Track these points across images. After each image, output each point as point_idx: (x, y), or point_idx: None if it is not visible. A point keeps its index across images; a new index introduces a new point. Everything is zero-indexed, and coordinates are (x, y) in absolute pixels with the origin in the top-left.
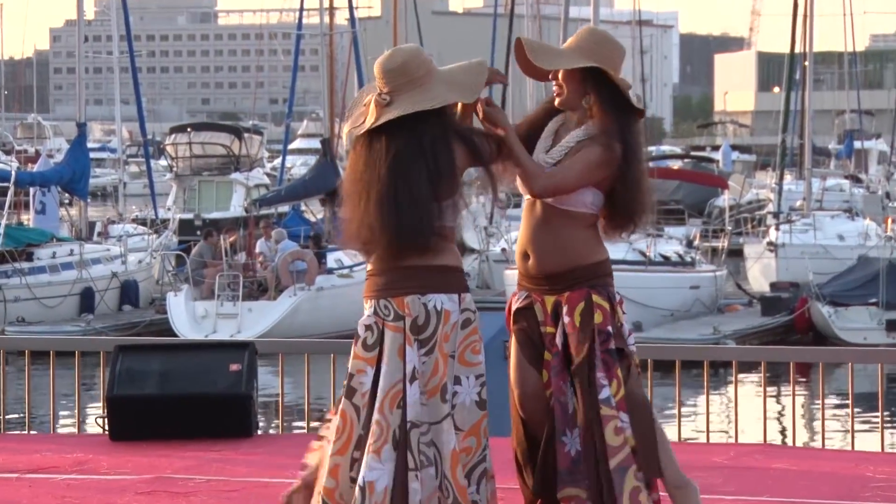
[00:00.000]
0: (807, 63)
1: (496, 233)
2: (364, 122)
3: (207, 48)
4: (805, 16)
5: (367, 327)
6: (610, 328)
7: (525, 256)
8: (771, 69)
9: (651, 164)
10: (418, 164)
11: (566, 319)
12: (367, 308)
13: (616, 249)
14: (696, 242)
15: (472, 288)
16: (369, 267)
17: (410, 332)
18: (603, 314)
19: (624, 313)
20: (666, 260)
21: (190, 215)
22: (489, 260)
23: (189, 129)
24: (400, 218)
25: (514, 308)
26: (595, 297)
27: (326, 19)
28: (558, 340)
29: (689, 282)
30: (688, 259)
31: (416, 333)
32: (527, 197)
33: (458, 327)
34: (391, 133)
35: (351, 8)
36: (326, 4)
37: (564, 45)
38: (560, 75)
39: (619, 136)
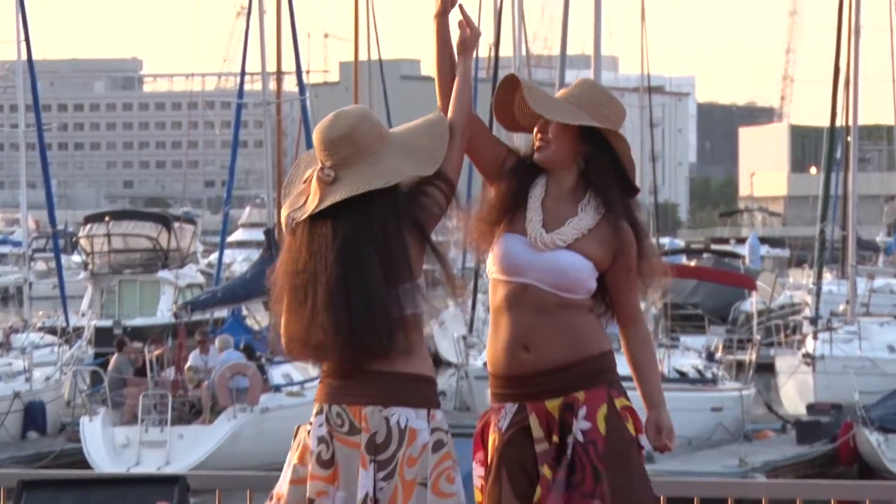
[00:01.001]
0: (850, 139)
1: (477, 343)
2: (305, 203)
3: (130, 120)
4: (848, 82)
5: (321, 439)
6: (644, 440)
7: (520, 349)
8: (807, 146)
9: (664, 261)
10: (369, 250)
11: (585, 425)
12: (316, 415)
13: (619, 364)
14: (719, 355)
15: (450, 410)
16: (324, 367)
17: (367, 451)
18: (634, 420)
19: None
20: (682, 376)
21: (108, 322)
22: (469, 376)
23: (108, 218)
24: (354, 314)
25: (504, 430)
26: (618, 400)
27: (272, 85)
28: (569, 451)
29: (710, 403)
30: (708, 375)
31: (374, 453)
32: (505, 277)
33: (428, 450)
34: (337, 214)
35: (299, 72)
36: (272, 68)
37: (559, 93)
38: (551, 129)
39: (628, 216)
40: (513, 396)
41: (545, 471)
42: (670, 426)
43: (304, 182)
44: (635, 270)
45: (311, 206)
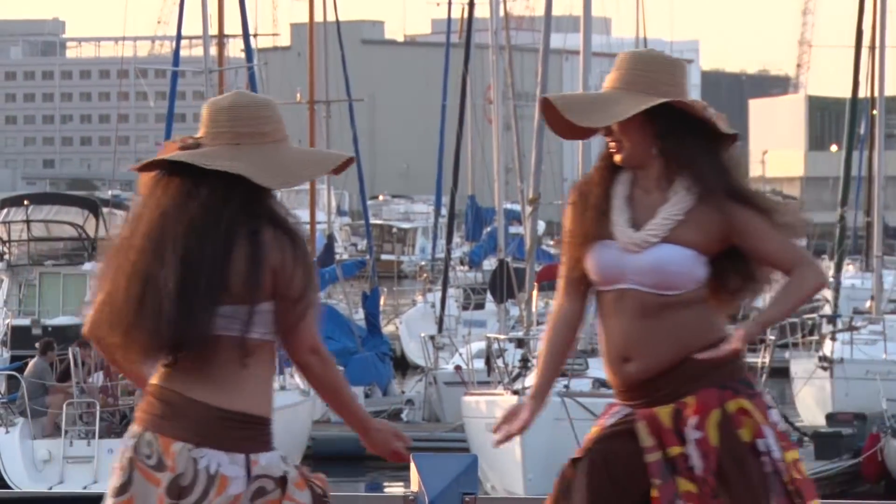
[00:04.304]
0: (875, 112)
1: (447, 345)
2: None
3: (51, 90)
4: (872, 47)
5: (122, 464)
6: (769, 442)
7: (622, 361)
8: (827, 120)
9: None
10: (216, 243)
11: (696, 434)
12: (129, 436)
13: (602, 368)
14: None
15: (418, 421)
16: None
17: (168, 494)
18: (752, 423)
19: (773, 407)
20: None
21: (26, 321)
22: (437, 382)
23: (27, 202)
24: (192, 309)
25: (606, 426)
26: (732, 403)
27: (214, 51)
28: (694, 461)
29: None
30: None
31: (175, 497)
32: (603, 287)
33: (244, 501)
34: (193, 190)
35: (246, 35)
36: (214, 31)
37: (605, 84)
38: (615, 128)
39: (727, 187)
40: (626, 403)
41: (653, 490)
42: (740, 334)
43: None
44: (769, 224)
45: (159, 157)
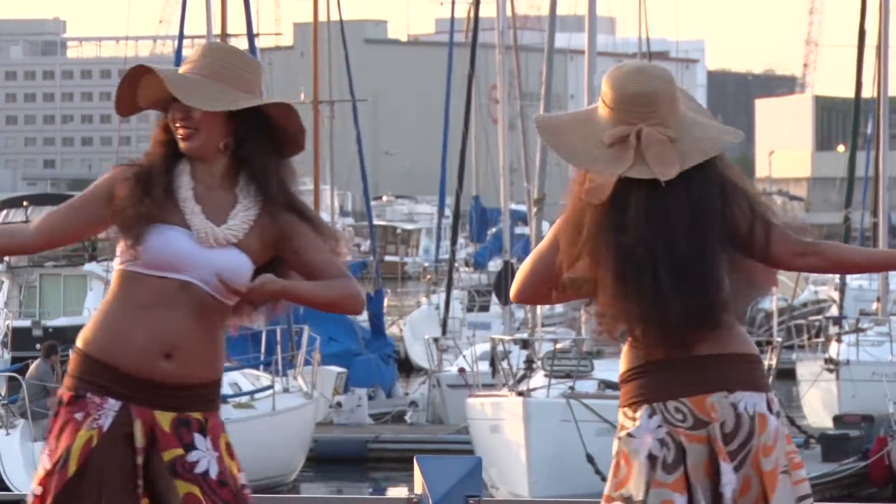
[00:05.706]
0: (881, 111)
1: (451, 347)
2: (632, 165)
3: (52, 90)
4: (879, 47)
5: (662, 442)
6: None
7: (161, 357)
8: (833, 120)
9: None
10: (718, 220)
11: (214, 453)
12: (644, 416)
13: (608, 369)
14: None
15: (421, 423)
16: (629, 364)
17: (723, 442)
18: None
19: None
20: None
21: (27, 322)
22: (441, 384)
23: (26, 203)
24: (699, 286)
25: (105, 430)
26: (224, 435)
27: None
28: (211, 467)
29: None
30: None
31: (726, 444)
32: (158, 273)
33: (780, 437)
34: (684, 177)
35: (251, 34)
36: (216, 30)
37: (184, 68)
38: (196, 114)
39: (286, 196)
40: (122, 395)
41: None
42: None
43: (613, 146)
44: (319, 238)
45: (671, 167)
